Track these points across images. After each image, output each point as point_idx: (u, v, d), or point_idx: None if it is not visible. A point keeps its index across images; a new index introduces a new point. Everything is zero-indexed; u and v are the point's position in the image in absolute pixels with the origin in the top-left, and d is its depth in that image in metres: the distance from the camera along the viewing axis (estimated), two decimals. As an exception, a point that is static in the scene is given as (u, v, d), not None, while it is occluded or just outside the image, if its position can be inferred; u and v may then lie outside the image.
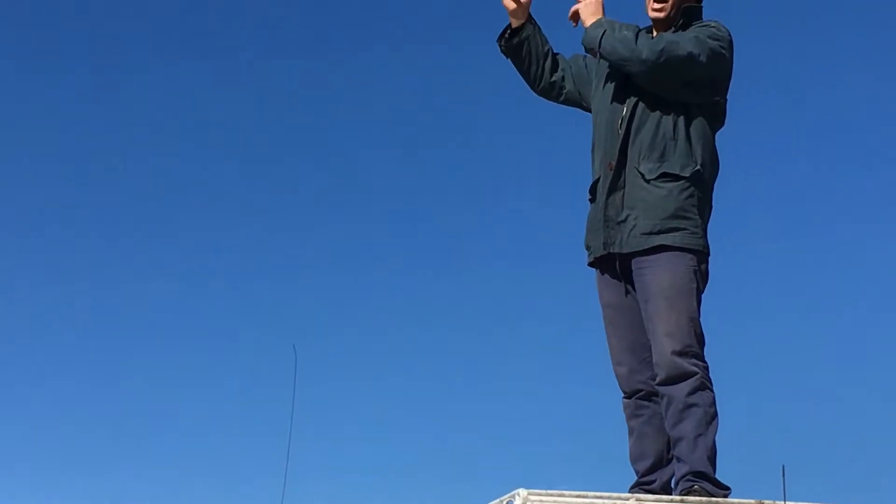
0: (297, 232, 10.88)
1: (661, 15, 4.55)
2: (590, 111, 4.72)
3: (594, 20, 4.54)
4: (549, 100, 4.86)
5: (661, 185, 4.40)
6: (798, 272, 10.51)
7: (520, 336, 10.25)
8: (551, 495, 4.00)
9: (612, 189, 4.47)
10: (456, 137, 11.16)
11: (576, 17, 4.61)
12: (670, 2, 4.55)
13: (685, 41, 4.39)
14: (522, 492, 3.97)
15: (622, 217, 4.44)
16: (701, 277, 4.42)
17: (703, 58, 4.39)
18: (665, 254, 4.37)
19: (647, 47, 4.39)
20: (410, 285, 10.69)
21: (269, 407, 9.35)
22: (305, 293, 10.67)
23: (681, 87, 4.43)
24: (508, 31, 4.76)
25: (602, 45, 4.47)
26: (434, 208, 11.02)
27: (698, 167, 4.43)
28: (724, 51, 4.45)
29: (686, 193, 4.40)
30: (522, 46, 4.75)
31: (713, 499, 4.22)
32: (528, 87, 4.85)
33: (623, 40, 4.43)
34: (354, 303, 10.64)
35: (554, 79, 4.79)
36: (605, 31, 4.48)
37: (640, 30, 4.50)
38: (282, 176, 11.05)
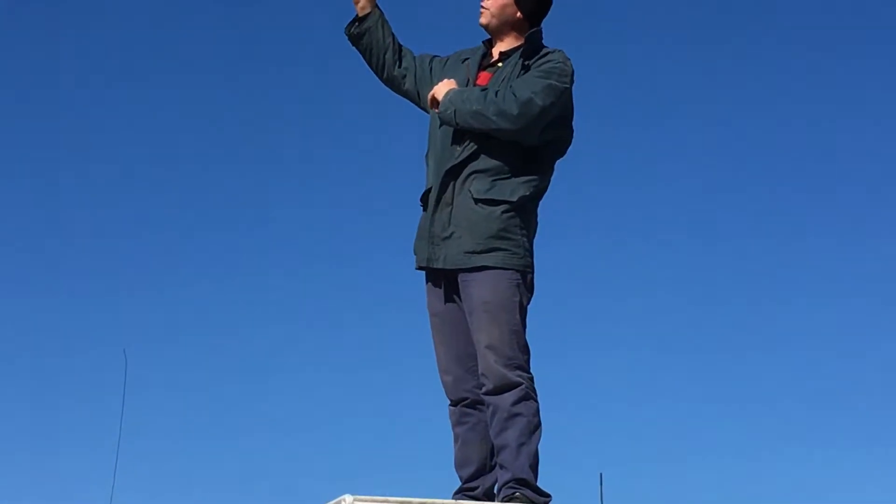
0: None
1: (481, 21, 4.66)
2: (427, 112, 4.76)
3: (442, 99, 4.55)
4: (393, 90, 4.89)
5: (487, 206, 4.47)
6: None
7: (350, 340, 10.28)
8: (376, 501, 4.06)
9: (441, 204, 4.55)
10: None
11: (434, 101, 4.61)
12: (489, 9, 4.65)
13: (538, 94, 4.45)
14: (348, 497, 4.02)
15: (447, 233, 4.51)
16: (525, 290, 4.51)
17: (556, 101, 4.48)
18: (488, 272, 4.45)
19: (503, 116, 4.43)
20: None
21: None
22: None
23: (537, 134, 4.50)
24: (356, 20, 4.80)
25: (458, 124, 4.51)
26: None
27: (527, 193, 4.51)
28: (568, 86, 4.54)
29: (509, 214, 4.48)
30: (363, 37, 4.79)
31: (533, 506, 4.33)
32: (374, 75, 4.88)
33: (474, 116, 4.47)
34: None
35: (396, 73, 4.82)
36: (454, 110, 4.50)
37: (484, 90, 4.51)
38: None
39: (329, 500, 4.12)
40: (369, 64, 4.84)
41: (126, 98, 11.09)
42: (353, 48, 4.85)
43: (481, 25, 4.70)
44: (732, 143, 11.18)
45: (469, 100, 4.50)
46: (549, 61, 4.55)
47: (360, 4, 4.77)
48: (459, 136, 4.55)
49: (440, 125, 4.62)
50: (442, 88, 4.59)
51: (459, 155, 4.54)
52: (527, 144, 4.51)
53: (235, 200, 10.94)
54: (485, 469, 4.56)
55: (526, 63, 4.57)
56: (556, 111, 4.51)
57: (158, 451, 9.48)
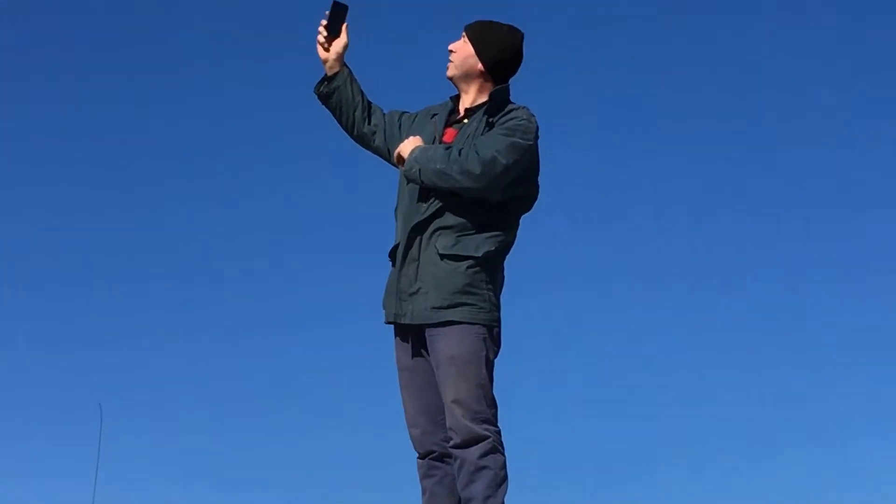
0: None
1: (447, 74, 4.74)
2: (398, 168, 4.80)
3: (407, 157, 4.61)
4: (363, 147, 4.95)
5: (453, 262, 4.53)
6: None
7: (327, 390, 10.28)
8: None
9: (408, 259, 4.60)
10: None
11: (400, 158, 4.67)
12: (454, 62, 4.72)
13: (502, 152, 4.49)
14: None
15: (414, 289, 4.56)
16: (492, 344, 4.56)
17: (520, 159, 4.53)
18: (454, 326, 4.51)
19: (466, 175, 4.48)
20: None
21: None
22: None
23: (501, 192, 4.55)
24: (325, 80, 4.86)
25: (423, 182, 4.57)
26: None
27: (493, 248, 4.57)
28: (532, 143, 4.59)
29: (475, 270, 4.53)
30: (332, 95, 4.85)
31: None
32: (344, 132, 4.94)
33: (438, 175, 4.52)
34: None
35: (366, 130, 4.87)
36: (419, 169, 4.56)
37: (448, 148, 4.56)
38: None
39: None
40: (339, 122, 4.90)
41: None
42: (323, 106, 4.90)
43: (448, 78, 4.77)
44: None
45: (433, 159, 4.55)
46: (512, 118, 4.61)
47: (329, 64, 4.83)
48: (425, 192, 4.61)
49: (408, 182, 4.68)
50: (407, 146, 4.65)
51: (425, 211, 4.60)
52: (492, 201, 4.57)
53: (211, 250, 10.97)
54: (452, 522, 4.61)
55: (490, 120, 4.63)
56: (521, 168, 4.56)
57: (139, 453, 9.50)
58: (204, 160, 11.05)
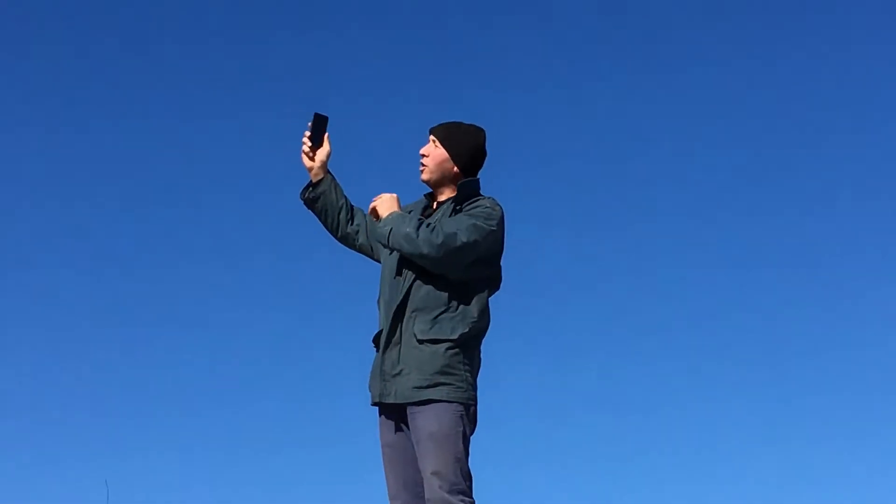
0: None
1: (423, 178, 5.16)
2: (380, 262, 5.25)
3: (384, 217, 5.04)
4: (347, 247, 5.38)
5: (431, 345, 4.93)
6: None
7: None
8: None
9: (391, 344, 5.00)
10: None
11: (375, 213, 5.09)
12: (428, 166, 5.14)
13: (462, 231, 4.92)
14: None
15: (397, 371, 4.96)
16: (469, 421, 4.94)
17: (480, 240, 4.94)
18: (434, 405, 4.89)
19: (428, 243, 4.88)
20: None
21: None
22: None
23: (462, 269, 4.96)
24: (311, 186, 5.28)
25: (390, 243, 4.99)
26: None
27: (467, 330, 4.97)
28: (495, 228, 4.99)
29: (453, 352, 4.93)
30: (318, 200, 5.28)
31: None
32: (329, 234, 5.37)
33: (405, 238, 4.92)
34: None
35: (349, 230, 5.31)
36: (391, 228, 4.98)
37: (421, 222, 4.99)
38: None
39: None
40: (324, 224, 5.34)
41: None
42: (309, 211, 5.33)
43: (423, 181, 5.20)
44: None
45: (405, 223, 4.96)
46: (477, 206, 5.03)
47: (314, 171, 5.28)
48: (400, 269, 5.01)
49: (389, 268, 5.07)
50: (385, 205, 5.07)
51: (401, 290, 4.99)
52: (453, 278, 4.96)
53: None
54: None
55: (457, 208, 5.05)
56: (480, 250, 4.95)
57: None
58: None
